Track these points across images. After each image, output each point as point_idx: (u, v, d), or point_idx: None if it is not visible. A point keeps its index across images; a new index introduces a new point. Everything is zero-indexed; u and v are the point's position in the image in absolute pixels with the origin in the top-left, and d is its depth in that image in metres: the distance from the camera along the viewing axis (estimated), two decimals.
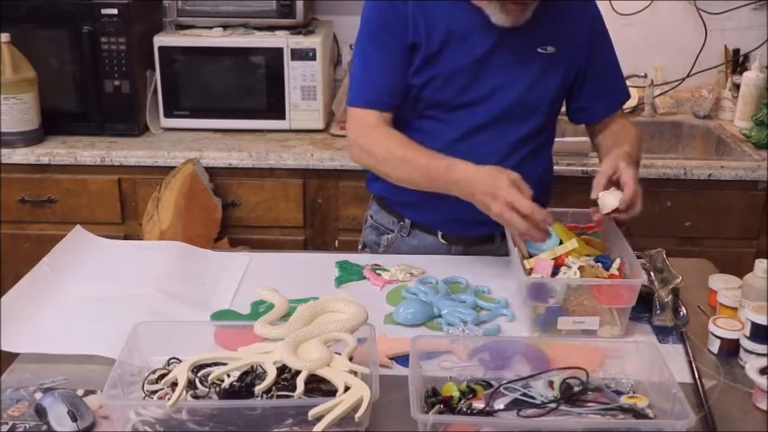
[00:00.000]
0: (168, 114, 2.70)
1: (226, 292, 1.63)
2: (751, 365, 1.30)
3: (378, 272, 1.69)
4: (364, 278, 1.68)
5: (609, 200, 1.53)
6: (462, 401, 1.21)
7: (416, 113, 1.75)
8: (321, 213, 2.59)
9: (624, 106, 2.98)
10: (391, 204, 1.88)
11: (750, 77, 2.77)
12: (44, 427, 1.20)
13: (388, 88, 1.71)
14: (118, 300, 1.52)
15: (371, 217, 1.95)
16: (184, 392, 1.16)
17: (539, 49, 1.69)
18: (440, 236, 1.84)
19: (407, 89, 1.72)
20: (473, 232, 1.81)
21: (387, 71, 1.70)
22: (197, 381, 1.21)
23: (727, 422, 1.24)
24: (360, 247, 1.98)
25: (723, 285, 1.54)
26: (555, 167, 2.46)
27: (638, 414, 1.18)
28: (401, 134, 1.70)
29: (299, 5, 2.66)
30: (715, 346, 1.42)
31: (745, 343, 1.37)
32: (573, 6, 1.73)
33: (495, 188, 1.49)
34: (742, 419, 1.25)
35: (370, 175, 1.89)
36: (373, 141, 1.70)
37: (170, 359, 1.28)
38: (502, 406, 1.19)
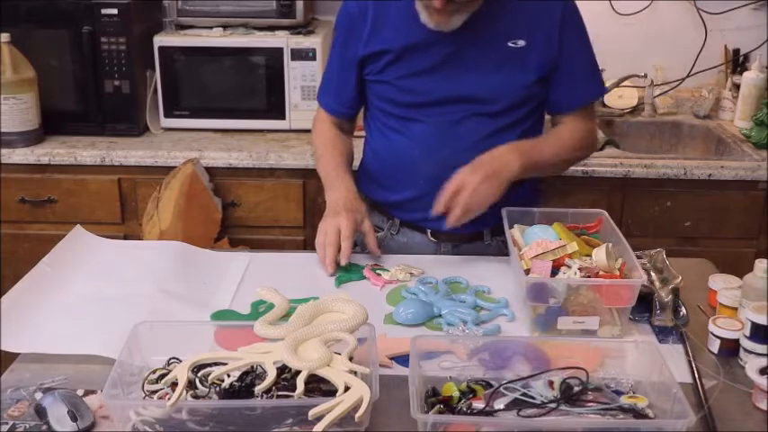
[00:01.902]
0: (168, 114, 2.70)
1: (226, 292, 1.62)
2: (751, 365, 1.30)
3: (378, 272, 1.69)
4: (364, 278, 1.68)
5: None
6: (462, 401, 1.21)
7: (393, 115, 1.80)
8: (321, 213, 2.56)
9: (624, 106, 3.01)
10: (379, 203, 1.91)
11: (750, 77, 2.77)
12: (44, 427, 1.20)
13: (336, 95, 1.88)
14: (118, 300, 1.52)
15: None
16: (184, 392, 1.16)
17: (509, 44, 1.71)
18: (429, 234, 1.85)
19: (359, 98, 1.85)
20: (462, 230, 1.81)
21: (336, 80, 1.87)
22: (197, 381, 1.21)
23: (727, 422, 1.24)
24: (356, 249, 1.98)
25: (723, 285, 1.54)
26: None
27: (638, 414, 1.18)
28: (335, 139, 1.89)
29: (299, 5, 2.66)
30: (715, 346, 1.42)
31: (745, 343, 1.37)
32: (543, 2, 1.73)
33: (329, 218, 1.73)
34: (742, 419, 1.25)
35: (358, 175, 1.93)
36: (314, 136, 1.95)
37: (170, 359, 1.28)
38: (502, 406, 1.19)
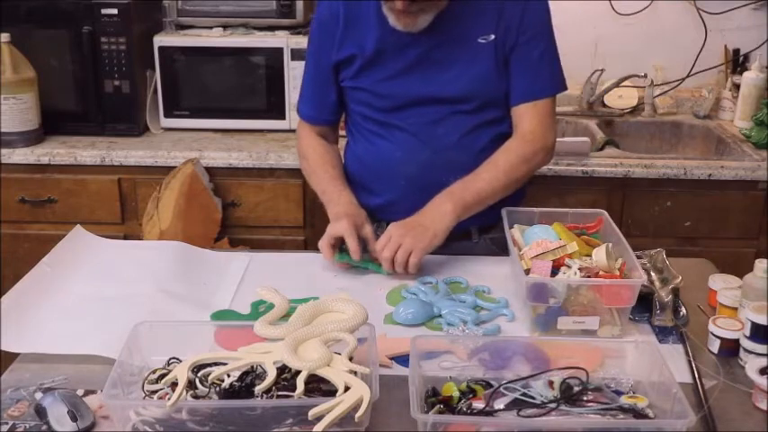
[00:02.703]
0: (168, 114, 2.70)
1: (226, 292, 1.63)
2: (751, 365, 1.30)
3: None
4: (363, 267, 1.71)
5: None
6: (462, 401, 1.21)
7: (372, 119, 1.81)
8: (321, 213, 2.56)
9: (624, 106, 3.01)
10: (366, 206, 1.87)
11: (750, 77, 2.76)
12: (44, 427, 1.20)
13: (315, 105, 1.88)
14: (118, 300, 1.52)
15: None
16: (184, 392, 1.16)
17: (480, 40, 1.71)
18: None
19: (338, 104, 1.85)
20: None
21: (313, 89, 1.87)
22: (197, 381, 1.21)
23: (727, 422, 1.24)
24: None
25: (723, 285, 1.54)
26: (555, 167, 2.47)
27: (638, 414, 1.18)
28: (323, 150, 1.87)
29: (299, 5, 2.66)
30: (715, 346, 1.42)
31: (745, 343, 1.37)
32: None
33: (329, 226, 1.72)
34: (742, 419, 1.25)
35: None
36: (302, 151, 1.92)
37: (170, 359, 1.28)
38: (502, 406, 1.19)
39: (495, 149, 1.77)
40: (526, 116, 1.77)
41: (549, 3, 1.78)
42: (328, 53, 1.78)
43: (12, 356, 1.39)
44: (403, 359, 1.36)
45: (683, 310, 1.53)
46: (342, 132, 1.97)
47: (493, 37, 1.71)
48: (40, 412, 1.21)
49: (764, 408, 1.27)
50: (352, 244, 1.66)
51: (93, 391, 1.29)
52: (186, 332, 1.36)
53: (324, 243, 1.70)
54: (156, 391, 1.21)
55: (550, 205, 1.78)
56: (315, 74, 1.85)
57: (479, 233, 1.86)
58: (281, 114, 2.68)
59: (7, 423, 1.22)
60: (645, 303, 1.51)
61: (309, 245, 2.60)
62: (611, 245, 1.53)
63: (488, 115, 1.77)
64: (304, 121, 1.92)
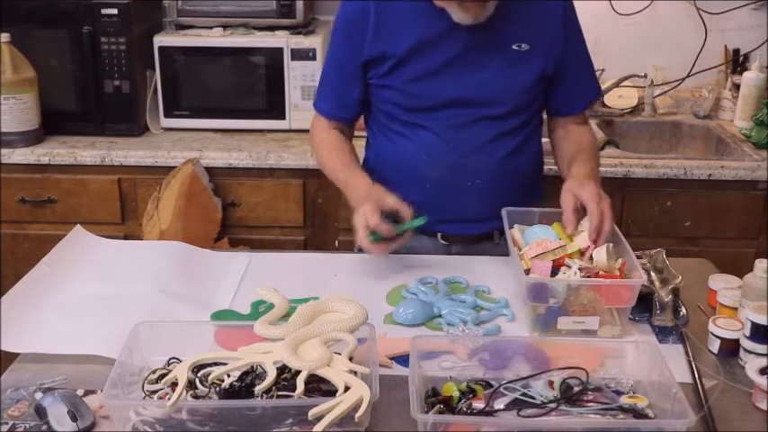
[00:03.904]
0: (168, 114, 2.70)
1: (226, 292, 1.63)
2: (751, 365, 1.30)
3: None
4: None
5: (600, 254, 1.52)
6: (462, 401, 1.21)
7: (397, 119, 1.79)
8: (321, 213, 2.59)
9: (624, 106, 3.01)
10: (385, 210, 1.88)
11: (750, 77, 2.76)
12: (44, 427, 1.20)
13: (336, 102, 1.84)
14: (118, 300, 1.52)
15: None
16: (184, 392, 1.16)
17: (513, 47, 1.71)
18: (439, 237, 1.84)
19: (360, 102, 1.82)
20: (472, 230, 1.81)
21: (336, 85, 1.82)
22: (197, 381, 1.21)
23: (727, 422, 1.24)
24: (356, 251, 1.97)
25: (723, 285, 1.54)
26: (555, 167, 2.46)
27: (638, 414, 1.18)
28: (337, 141, 1.84)
29: (299, 5, 2.66)
30: (715, 346, 1.42)
31: (745, 343, 1.37)
32: (545, 5, 1.73)
33: (354, 215, 1.66)
34: (742, 419, 1.25)
35: None
36: (315, 145, 1.90)
37: (170, 359, 1.28)
38: (502, 406, 1.19)
39: (516, 158, 1.77)
40: (580, 122, 1.87)
41: None
42: (356, 51, 1.74)
43: (12, 356, 1.39)
44: (403, 359, 1.36)
45: (683, 310, 1.54)
46: (362, 132, 1.95)
47: (527, 47, 1.71)
48: (40, 412, 1.21)
49: (764, 408, 1.27)
50: (382, 228, 1.61)
51: (93, 391, 1.29)
52: (186, 332, 1.36)
53: (363, 240, 1.63)
54: (156, 391, 1.21)
55: (550, 205, 1.78)
56: (338, 71, 1.81)
57: (501, 235, 1.84)
58: (281, 114, 2.68)
59: (7, 423, 1.22)
60: (645, 303, 1.51)
61: (309, 245, 2.61)
62: (611, 245, 1.53)
63: (514, 122, 1.76)
64: (322, 117, 1.88)
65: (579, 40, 1.81)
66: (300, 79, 2.64)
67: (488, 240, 1.85)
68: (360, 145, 1.96)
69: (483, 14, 1.64)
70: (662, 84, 2.98)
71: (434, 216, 1.72)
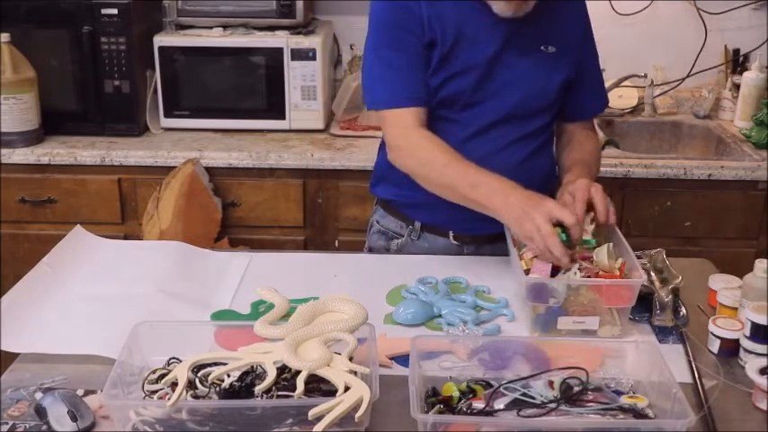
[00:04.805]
0: (168, 114, 2.70)
1: (226, 292, 1.63)
2: (751, 365, 1.30)
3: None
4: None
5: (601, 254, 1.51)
6: (462, 401, 1.21)
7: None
8: (321, 213, 2.59)
9: (624, 106, 3.01)
10: (398, 207, 1.86)
11: (750, 77, 2.77)
12: (44, 427, 1.20)
13: (418, 85, 1.67)
14: (118, 300, 1.52)
15: (378, 222, 1.91)
16: (184, 392, 1.16)
17: (541, 48, 1.70)
18: (451, 236, 1.83)
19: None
20: (484, 230, 1.79)
21: (412, 70, 1.66)
22: (197, 381, 1.21)
23: (727, 422, 1.24)
24: (366, 252, 1.97)
25: (723, 285, 1.54)
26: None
27: (638, 414, 1.18)
28: (439, 138, 1.65)
29: (299, 5, 2.66)
30: (715, 346, 1.42)
31: (745, 343, 1.37)
32: (567, 6, 1.73)
33: (530, 213, 1.48)
34: (742, 419, 1.25)
35: (374, 179, 1.89)
36: (414, 143, 1.66)
37: (170, 359, 1.28)
38: (502, 406, 1.19)
39: (534, 161, 1.76)
40: (589, 127, 1.86)
41: None
42: (420, 34, 1.65)
43: (12, 356, 1.39)
44: (403, 359, 1.36)
45: (683, 310, 1.54)
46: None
47: (553, 49, 1.70)
48: (40, 412, 1.21)
49: (764, 408, 1.27)
50: (576, 229, 1.47)
51: (93, 391, 1.29)
52: (186, 332, 1.36)
53: (553, 237, 1.44)
54: (156, 391, 1.21)
55: None
56: (407, 56, 1.66)
57: None
58: (281, 114, 2.68)
59: (7, 423, 1.22)
60: (645, 303, 1.51)
61: (309, 245, 2.61)
62: (611, 245, 1.53)
63: (536, 124, 1.75)
64: (403, 112, 1.67)
65: (594, 47, 1.81)
66: (300, 79, 2.64)
67: (501, 240, 1.84)
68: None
69: (524, 9, 1.63)
70: (662, 84, 2.98)
71: (447, 214, 1.72)
